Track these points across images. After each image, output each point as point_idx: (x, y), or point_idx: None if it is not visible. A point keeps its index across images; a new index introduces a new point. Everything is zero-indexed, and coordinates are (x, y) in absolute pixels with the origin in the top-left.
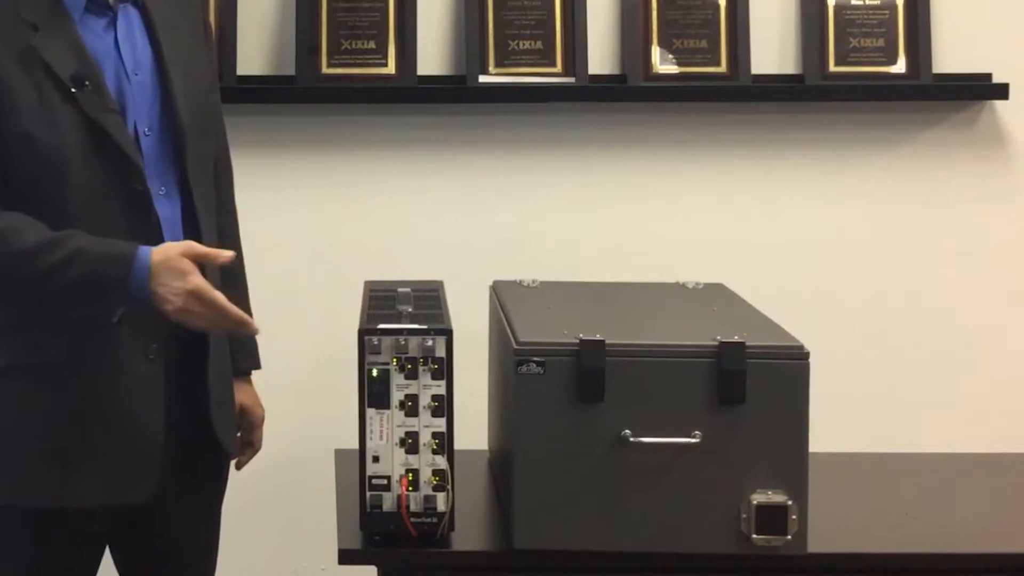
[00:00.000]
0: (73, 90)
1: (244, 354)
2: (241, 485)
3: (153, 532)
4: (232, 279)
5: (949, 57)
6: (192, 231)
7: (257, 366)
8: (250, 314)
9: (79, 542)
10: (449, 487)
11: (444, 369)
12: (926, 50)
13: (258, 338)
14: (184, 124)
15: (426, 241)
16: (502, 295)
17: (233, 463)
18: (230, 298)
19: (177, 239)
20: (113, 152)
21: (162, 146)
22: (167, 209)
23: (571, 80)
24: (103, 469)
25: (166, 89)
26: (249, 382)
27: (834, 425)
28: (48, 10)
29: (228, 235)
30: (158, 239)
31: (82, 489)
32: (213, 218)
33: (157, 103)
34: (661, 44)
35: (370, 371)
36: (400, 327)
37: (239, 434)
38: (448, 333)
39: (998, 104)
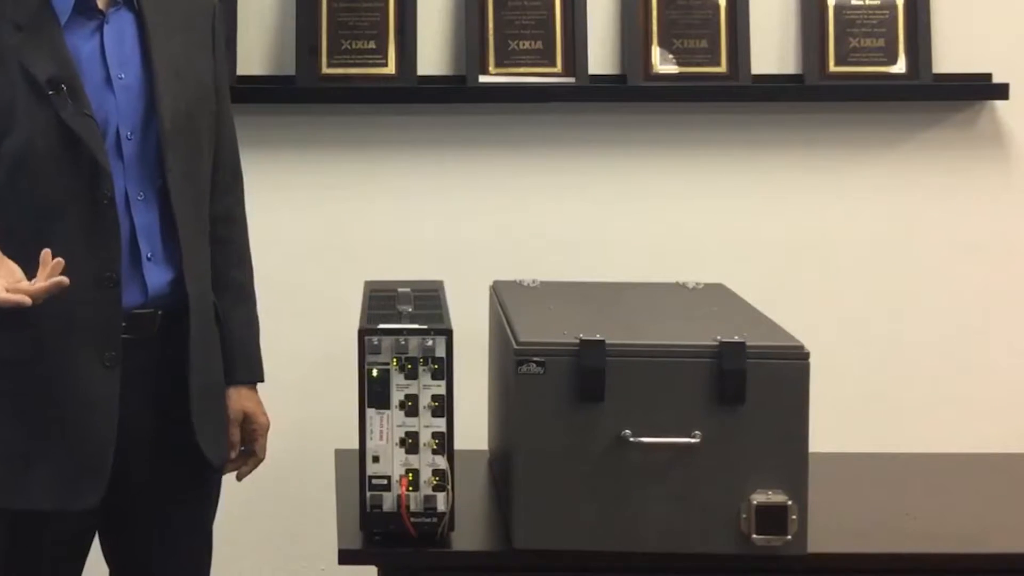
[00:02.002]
0: (49, 93)
1: (245, 366)
2: (241, 485)
3: (140, 542)
4: (238, 291)
5: (949, 57)
6: (171, 238)
7: (259, 378)
8: (256, 326)
9: (40, 544)
10: (449, 487)
11: (444, 369)
12: (926, 50)
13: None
14: (165, 129)
15: (426, 241)
16: (502, 295)
17: (234, 474)
18: (236, 315)
19: (154, 246)
20: (83, 156)
21: (144, 151)
22: (145, 215)
23: (571, 80)
24: (52, 473)
25: (150, 93)
26: (253, 390)
27: (834, 425)
28: (34, 12)
29: (233, 244)
30: (121, 245)
31: (30, 492)
32: (199, 226)
33: (141, 107)
34: (661, 44)
35: (370, 371)
36: (400, 327)
37: (241, 445)
38: (448, 333)
39: (998, 104)
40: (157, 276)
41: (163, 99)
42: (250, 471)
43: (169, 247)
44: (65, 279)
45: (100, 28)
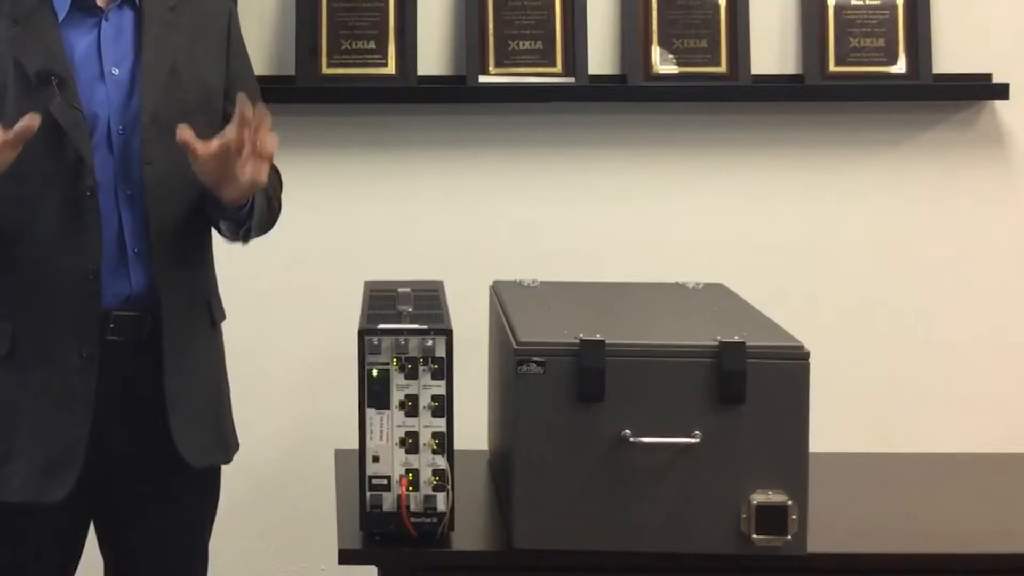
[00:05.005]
0: (38, 85)
1: None
2: (242, 484)
3: (128, 538)
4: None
5: (949, 57)
6: (143, 239)
7: None
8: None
9: (25, 535)
10: (449, 487)
11: (444, 369)
12: (926, 50)
13: (258, 338)
14: (144, 123)
15: (426, 241)
16: (502, 295)
17: (233, 474)
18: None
19: (140, 242)
20: (68, 149)
21: (132, 146)
22: (132, 210)
23: (571, 80)
24: (25, 465)
25: (140, 88)
26: None
27: (834, 425)
28: (32, 7)
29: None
30: (105, 239)
31: (6, 483)
32: (187, 225)
33: (132, 103)
34: (661, 44)
35: (370, 371)
36: (400, 327)
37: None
38: (448, 333)
39: (998, 104)
40: (141, 272)
41: (147, 94)
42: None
43: (151, 244)
44: (36, 121)
45: (98, 25)
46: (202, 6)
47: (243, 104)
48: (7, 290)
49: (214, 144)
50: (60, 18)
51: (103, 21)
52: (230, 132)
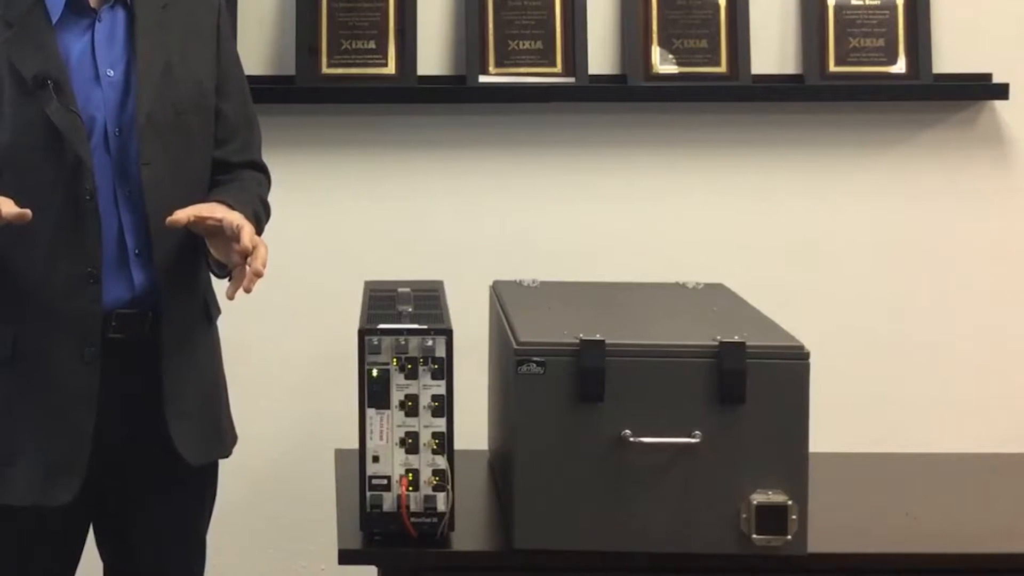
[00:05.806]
0: (35, 89)
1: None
2: (242, 484)
3: (126, 537)
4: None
5: (949, 57)
6: (144, 240)
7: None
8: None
9: (24, 536)
10: (449, 487)
11: (444, 369)
12: (926, 50)
13: (258, 338)
14: (139, 124)
15: (426, 241)
16: (502, 295)
17: (235, 458)
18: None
19: (140, 242)
20: (67, 152)
21: (129, 147)
22: (131, 211)
23: (571, 80)
24: (30, 468)
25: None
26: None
27: (834, 425)
28: (27, 9)
29: (235, 188)
30: (104, 241)
31: (9, 487)
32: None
33: (128, 104)
34: (661, 44)
35: (370, 371)
36: (400, 327)
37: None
38: (448, 333)
39: (998, 104)
40: (143, 273)
41: (142, 94)
42: (247, 280)
43: (151, 244)
44: (28, 212)
45: (92, 26)
46: (192, 2)
47: (245, 239)
48: (8, 294)
49: (213, 218)
50: (54, 20)
51: (96, 22)
52: (229, 226)
